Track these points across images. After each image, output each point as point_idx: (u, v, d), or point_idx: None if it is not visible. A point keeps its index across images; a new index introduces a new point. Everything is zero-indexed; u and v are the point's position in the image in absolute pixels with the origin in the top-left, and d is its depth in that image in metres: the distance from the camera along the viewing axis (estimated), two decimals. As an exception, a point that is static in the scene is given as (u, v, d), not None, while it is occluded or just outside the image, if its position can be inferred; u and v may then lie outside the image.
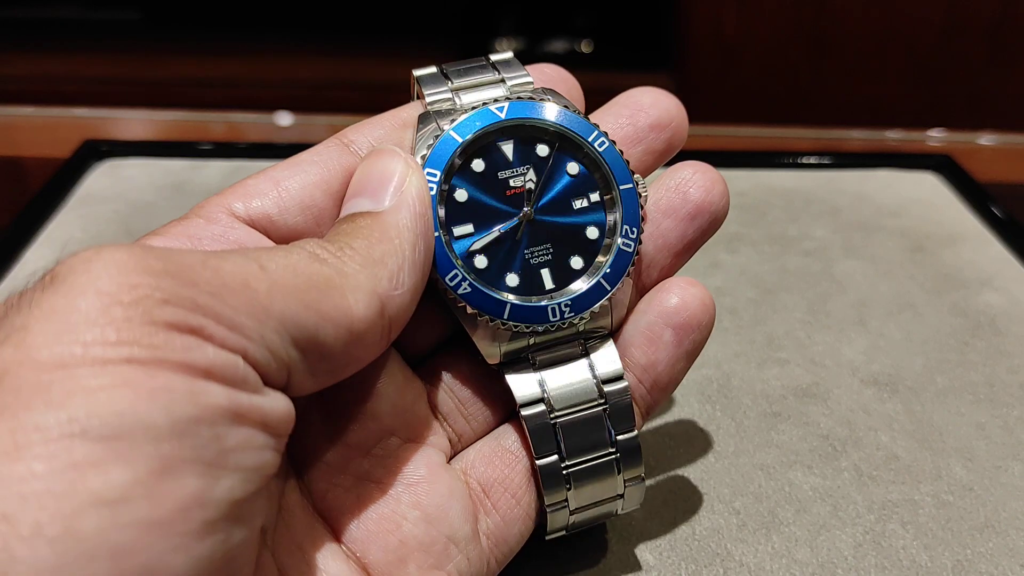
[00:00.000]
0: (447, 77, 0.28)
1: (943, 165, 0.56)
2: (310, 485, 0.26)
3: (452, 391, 0.28)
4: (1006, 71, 0.93)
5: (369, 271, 0.23)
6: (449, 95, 0.28)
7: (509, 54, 0.29)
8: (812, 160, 0.57)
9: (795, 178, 0.55)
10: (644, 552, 0.31)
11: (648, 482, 0.34)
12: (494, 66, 0.29)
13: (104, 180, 0.52)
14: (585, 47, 1.09)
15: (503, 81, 0.28)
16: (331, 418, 0.26)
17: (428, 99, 0.28)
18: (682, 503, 0.33)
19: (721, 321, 0.42)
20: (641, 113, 0.30)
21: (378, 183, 0.25)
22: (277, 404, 0.21)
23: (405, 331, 0.25)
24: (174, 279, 0.19)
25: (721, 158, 0.57)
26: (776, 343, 0.41)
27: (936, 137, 0.65)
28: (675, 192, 0.29)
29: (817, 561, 0.30)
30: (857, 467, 0.34)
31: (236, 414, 0.19)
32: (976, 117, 0.92)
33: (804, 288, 0.45)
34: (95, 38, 1.09)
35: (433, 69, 0.29)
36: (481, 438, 0.28)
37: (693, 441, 0.35)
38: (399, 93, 0.29)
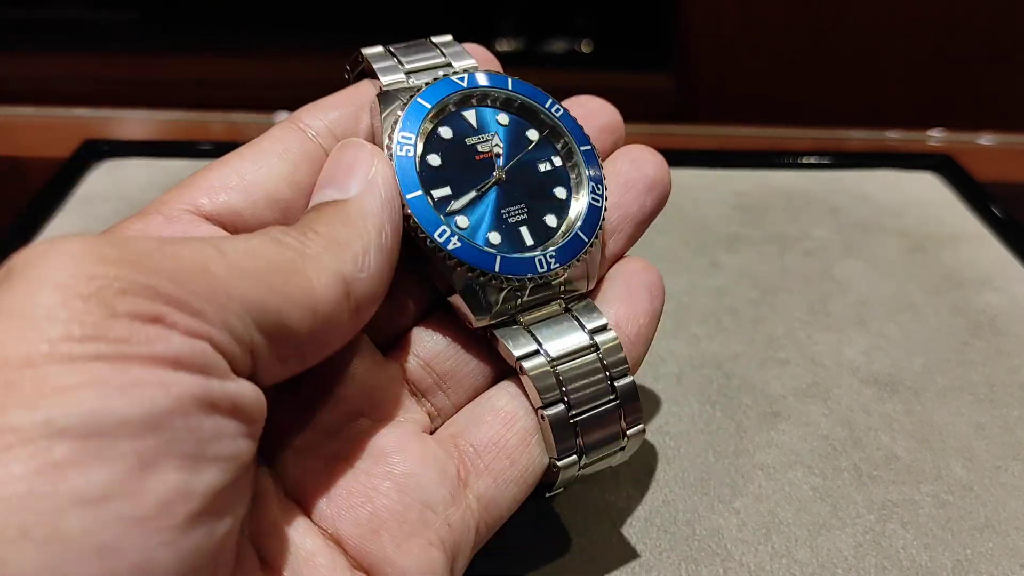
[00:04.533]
0: (397, 59, 0.29)
1: (943, 165, 0.56)
2: (281, 470, 0.25)
3: (430, 367, 0.28)
4: (1006, 71, 0.93)
5: (332, 253, 0.23)
6: (402, 77, 0.29)
7: (449, 36, 0.31)
8: (812, 160, 0.57)
9: (795, 178, 0.55)
10: (644, 552, 0.31)
11: (649, 482, 0.34)
12: (438, 48, 0.30)
13: (104, 180, 0.52)
14: (585, 47, 1.09)
15: (449, 64, 0.30)
16: (298, 402, 0.26)
17: (384, 80, 0.28)
18: (682, 503, 0.33)
19: (721, 321, 0.42)
20: (591, 116, 0.32)
21: (344, 173, 0.25)
22: (246, 391, 0.20)
23: (376, 314, 0.25)
24: (131, 267, 0.19)
25: (721, 158, 0.57)
26: (776, 343, 0.41)
27: (936, 137, 0.65)
28: (632, 167, 0.31)
29: (817, 561, 0.30)
30: (857, 467, 0.34)
31: (208, 403, 0.19)
32: (976, 117, 0.92)
33: (804, 288, 0.45)
34: (95, 38, 1.09)
35: (380, 49, 0.29)
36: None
37: (693, 441, 0.35)
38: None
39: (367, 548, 0.24)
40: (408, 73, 0.29)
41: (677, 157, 0.55)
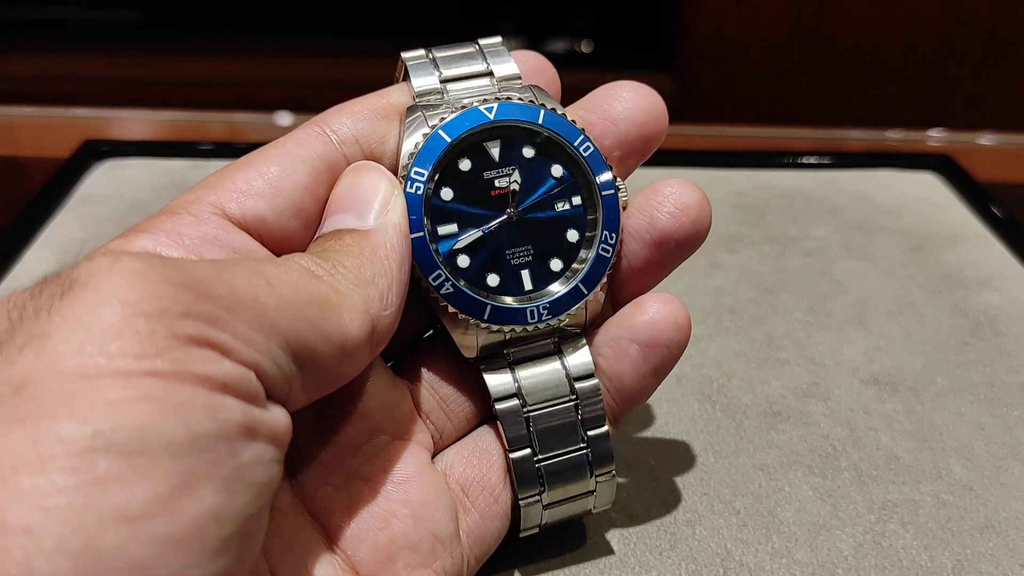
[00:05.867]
0: (436, 65, 0.28)
1: (943, 165, 0.56)
2: (301, 484, 0.26)
3: (433, 388, 0.28)
4: (1006, 71, 0.93)
5: (362, 291, 0.23)
6: (438, 86, 0.28)
7: (498, 39, 0.29)
8: (812, 160, 0.57)
9: (795, 178, 0.55)
10: (645, 552, 0.31)
11: (649, 482, 0.34)
12: (483, 53, 0.29)
13: (104, 180, 0.52)
14: (585, 47, 1.09)
15: (491, 73, 0.28)
16: (322, 417, 0.26)
17: (417, 89, 0.28)
18: (682, 503, 0.33)
19: (721, 321, 0.42)
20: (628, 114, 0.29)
21: (363, 202, 0.25)
22: (280, 417, 0.21)
23: None
24: (192, 292, 0.19)
25: (721, 158, 0.57)
26: (776, 343, 0.41)
27: (936, 137, 0.65)
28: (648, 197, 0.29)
29: (817, 561, 0.30)
30: (857, 467, 0.34)
31: (249, 429, 0.19)
32: (976, 117, 0.92)
33: (804, 288, 0.45)
34: (95, 38, 1.09)
35: (421, 52, 0.29)
36: (461, 437, 0.29)
37: (693, 441, 0.35)
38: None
39: (381, 574, 0.25)
40: (443, 81, 0.28)
41: (676, 157, 0.55)
